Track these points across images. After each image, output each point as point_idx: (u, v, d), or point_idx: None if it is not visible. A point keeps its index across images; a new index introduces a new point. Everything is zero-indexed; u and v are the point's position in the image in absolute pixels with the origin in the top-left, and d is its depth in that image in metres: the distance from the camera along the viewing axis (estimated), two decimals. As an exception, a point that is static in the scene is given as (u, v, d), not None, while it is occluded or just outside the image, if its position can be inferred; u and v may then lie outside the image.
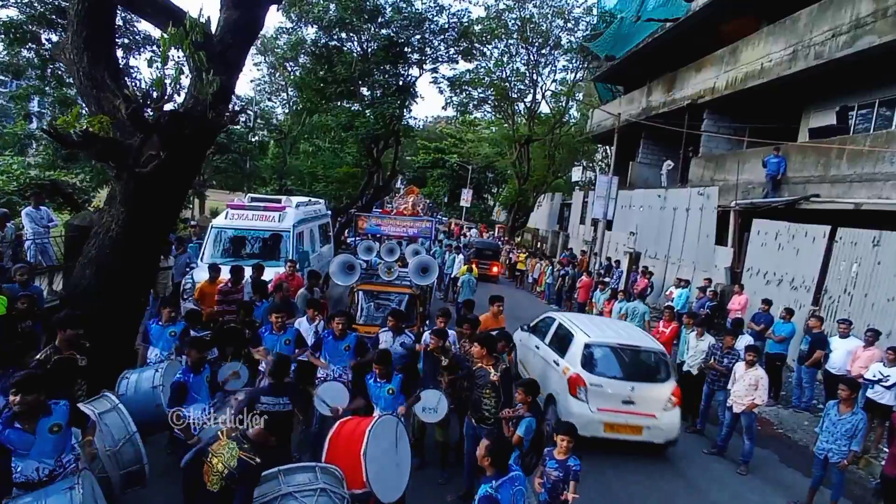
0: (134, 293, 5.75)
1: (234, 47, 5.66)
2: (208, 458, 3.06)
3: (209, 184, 27.51)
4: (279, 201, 10.71)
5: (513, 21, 23.55)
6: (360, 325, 6.82)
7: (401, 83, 19.07)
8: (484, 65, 24.59)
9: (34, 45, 12.68)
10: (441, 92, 28.74)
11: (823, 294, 9.86)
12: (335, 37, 18.18)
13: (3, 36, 12.14)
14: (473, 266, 13.71)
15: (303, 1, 17.41)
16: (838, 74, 11.62)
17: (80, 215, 9.47)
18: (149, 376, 4.65)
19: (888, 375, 6.36)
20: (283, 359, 4.38)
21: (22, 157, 16.01)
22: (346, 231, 19.21)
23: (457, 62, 20.89)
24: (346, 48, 18.46)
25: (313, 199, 13.64)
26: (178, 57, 9.89)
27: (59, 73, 12.86)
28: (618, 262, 16.91)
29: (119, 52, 9.79)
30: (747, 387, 6.17)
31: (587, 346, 6.37)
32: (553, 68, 26.23)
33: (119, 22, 12.58)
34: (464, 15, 19.34)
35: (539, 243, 30.75)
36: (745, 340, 7.18)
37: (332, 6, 17.02)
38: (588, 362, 6.28)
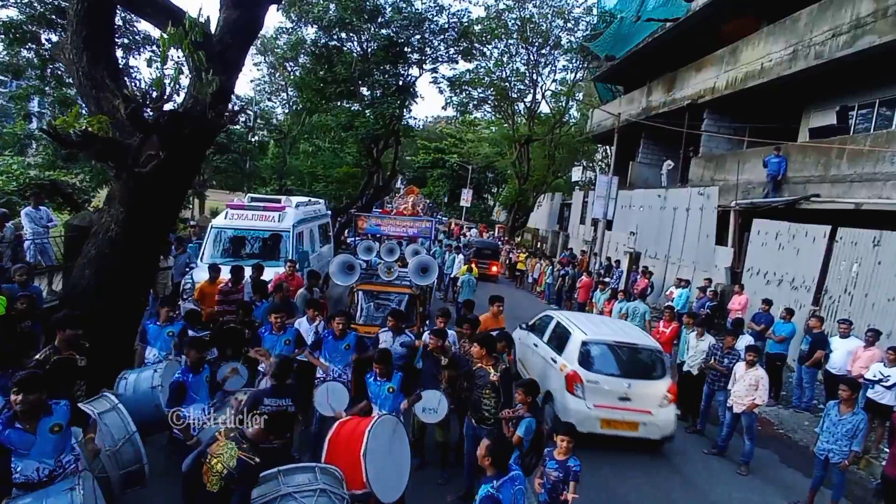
0: (133, 293, 5.74)
1: (234, 47, 5.65)
2: (207, 459, 3.05)
3: (209, 184, 27.52)
4: (279, 201, 10.71)
5: (513, 21, 23.57)
6: (359, 325, 6.82)
7: (401, 83, 19.06)
8: (484, 65, 24.64)
9: (34, 45, 12.68)
10: (441, 92, 28.81)
11: (824, 294, 9.85)
12: (335, 37, 18.17)
13: (3, 36, 12.13)
14: (473, 266, 13.71)
15: (303, 1, 17.41)
16: (838, 74, 11.62)
17: (79, 215, 9.47)
18: (147, 376, 4.64)
19: (888, 375, 6.36)
20: (286, 360, 4.38)
21: (22, 157, 15.99)
22: (346, 231, 19.21)
23: (457, 62, 20.93)
24: (346, 48, 18.45)
25: (313, 199, 13.63)
26: (178, 57, 9.90)
27: (59, 73, 12.85)
28: (618, 262, 16.91)
29: (119, 52, 9.80)
30: (748, 387, 6.17)
31: (584, 343, 6.48)
32: (553, 68, 26.29)
33: (119, 22, 12.59)
34: (464, 15, 19.36)
35: (539, 243, 30.75)
36: (745, 340, 7.18)
37: (332, 6, 17.01)
38: (585, 360, 6.38)
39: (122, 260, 5.37)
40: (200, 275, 7.99)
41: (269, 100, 32.64)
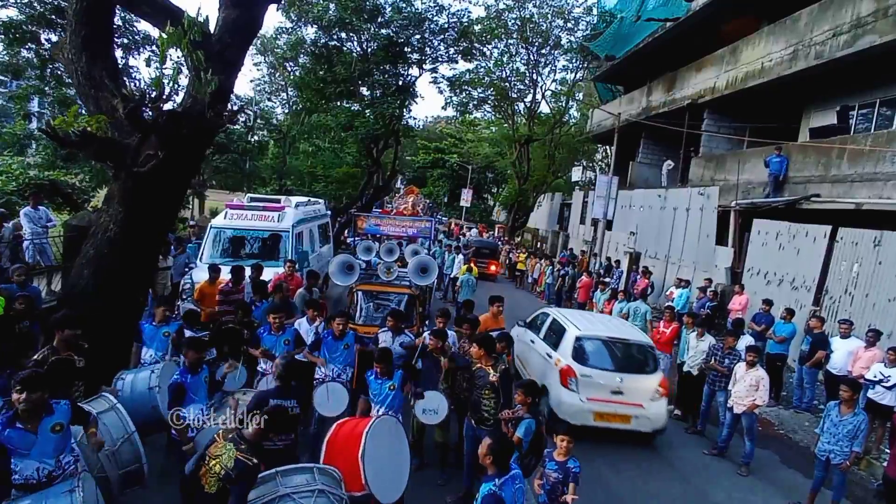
0: (132, 293, 5.73)
1: (233, 47, 5.64)
2: (206, 461, 3.04)
3: (209, 184, 27.52)
4: (278, 201, 10.70)
5: (513, 21, 23.55)
6: (359, 326, 6.80)
7: (400, 83, 19.06)
8: (484, 65, 24.61)
9: (34, 45, 12.68)
10: (441, 92, 28.78)
11: (824, 294, 9.84)
12: (335, 37, 18.18)
13: (2, 36, 12.13)
14: (473, 266, 13.71)
15: (302, 1, 17.41)
16: (839, 74, 11.60)
17: (78, 215, 9.45)
18: (145, 377, 4.62)
19: (889, 376, 6.34)
20: (292, 362, 4.38)
21: (21, 157, 15.99)
22: (346, 231, 19.19)
23: (457, 62, 20.92)
24: (345, 48, 18.45)
25: (313, 199, 13.63)
26: (177, 56, 9.89)
27: (59, 72, 12.85)
28: (618, 262, 16.89)
29: (118, 52, 9.83)
30: (748, 387, 6.15)
31: (578, 338, 6.69)
32: (553, 68, 26.29)
33: (118, 22, 12.59)
34: (464, 15, 19.34)
35: (539, 243, 30.74)
36: (745, 341, 7.16)
37: (332, 6, 17.01)
38: (579, 354, 6.59)
39: (120, 260, 5.36)
40: (200, 275, 7.97)
41: (269, 100, 32.69)
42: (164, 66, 4.50)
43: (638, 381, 6.47)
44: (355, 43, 18.44)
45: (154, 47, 13.67)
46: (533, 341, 7.70)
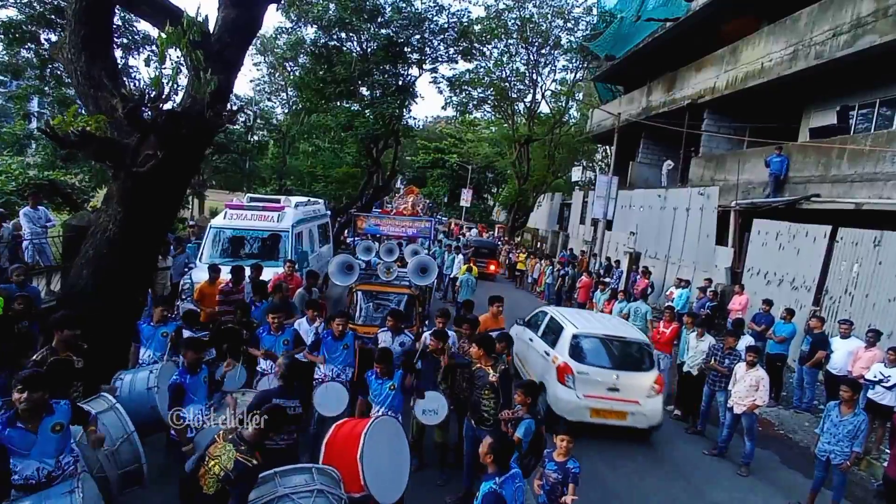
0: (132, 293, 5.73)
1: (232, 46, 5.64)
2: (205, 461, 3.03)
3: (208, 184, 27.52)
4: (278, 201, 10.68)
5: (513, 21, 23.53)
6: (358, 326, 6.80)
7: (400, 83, 19.06)
8: (484, 65, 24.59)
9: (33, 45, 12.67)
10: (441, 92, 28.72)
11: (824, 294, 9.83)
12: (335, 37, 18.16)
13: (2, 36, 12.12)
14: (473, 266, 13.71)
15: (302, 1, 17.39)
16: (839, 74, 11.60)
17: (78, 215, 9.44)
18: (143, 377, 4.61)
19: (889, 376, 6.34)
20: (295, 362, 4.38)
21: (21, 157, 15.98)
22: (346, 231, 19.19)
23: (456, 62, 20.93)
24: (345, 48, 18.44)
25: (312, 199, 13.61)
26: (177, 56, 9.87)
27: (58, 72, 12.85)
28: (618, 262, 16.88)
29: (118, 52, 9.82)
30: (748, 387, 6.15)
31: (575, 336, 6.79)
32: (553, 68, 26.25)
33: (118, 22, 12.59)
34: (464, 15, 19.37)
35: (539, 243, 30.74)
36: (745, 341, 7.16)
37: (332, 6, 17.00)
38: (576, 352, 6.68)
39: (120, 260, 5.36)
40: (199, 275, 7.96)
41: (269, 100, 32.70)
42: (163, 66, 4.49)
43: (634, 378, 6.56)
44: (355, 43, 18.44)
45: (154, 47, 13.65)
46: (531, 339, 7.79)
